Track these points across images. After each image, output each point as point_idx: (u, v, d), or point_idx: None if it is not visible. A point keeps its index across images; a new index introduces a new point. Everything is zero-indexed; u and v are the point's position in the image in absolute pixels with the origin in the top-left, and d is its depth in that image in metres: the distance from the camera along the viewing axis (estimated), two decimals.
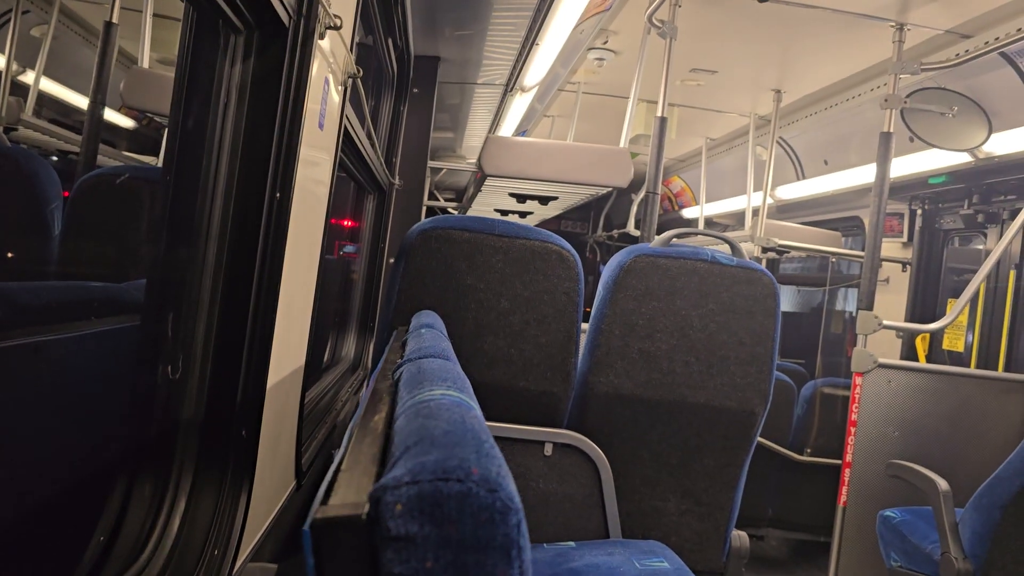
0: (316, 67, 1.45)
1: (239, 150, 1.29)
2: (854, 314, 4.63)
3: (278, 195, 1.30)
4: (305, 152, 1.43)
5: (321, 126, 1.62)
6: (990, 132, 3.56)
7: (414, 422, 0.78)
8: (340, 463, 0.78)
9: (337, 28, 1.51)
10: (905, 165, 4.16)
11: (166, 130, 1.42)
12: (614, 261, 2.51)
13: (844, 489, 3.45)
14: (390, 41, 3.54)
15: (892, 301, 4.92)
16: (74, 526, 1.16)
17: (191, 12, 1.29)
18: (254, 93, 1.30)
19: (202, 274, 1.27)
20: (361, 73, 1.94)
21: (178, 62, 1.30)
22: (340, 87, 1.83)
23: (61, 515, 1.15)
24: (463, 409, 0.84)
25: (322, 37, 1.46)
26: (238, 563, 1.27)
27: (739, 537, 2.60)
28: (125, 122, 2.22)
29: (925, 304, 4.82)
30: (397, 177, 3.97)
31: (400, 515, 0.61)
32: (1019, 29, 3.00)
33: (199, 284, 1.26)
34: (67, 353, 1.27)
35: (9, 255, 1.36)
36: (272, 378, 1.39)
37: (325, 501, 0.65)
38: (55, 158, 1.98)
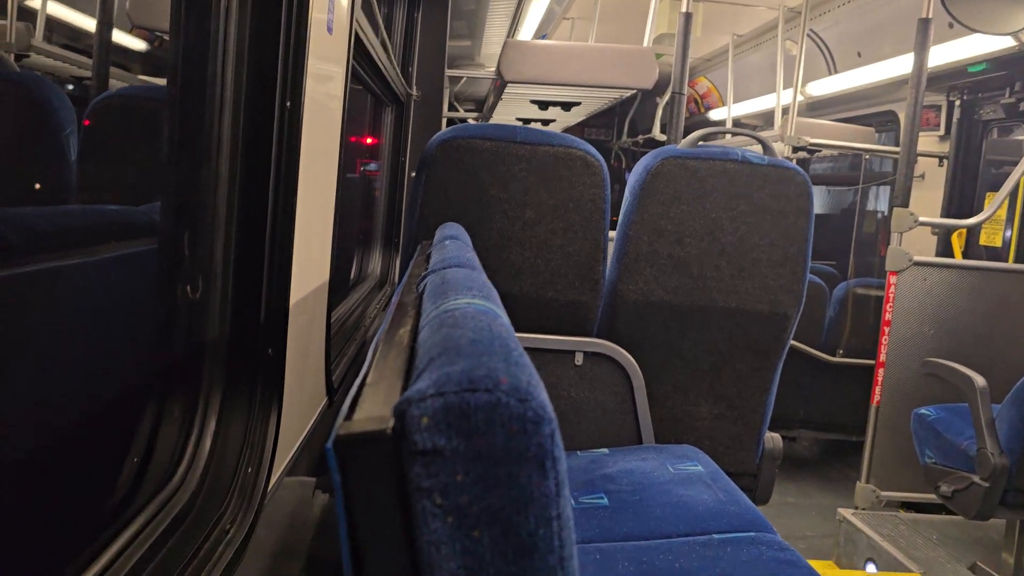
0: None
1: (244, 59, 1.24)
2: (887, 213, 4.51)
3: (288, 104, 1.25)
4: (314, 60, 1.37)
5: (330, 31, 1.55)
6: None
7: (438, 332, 0.75)
8: (365, 377, 0.75)
9: None
10: (943, 54, 3.97)
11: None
12: (640, 165, 2.44)
13: (877, 389, 3.43)
14: None
15: (927, 198, 4.78)
16: (106, 450, 1.16)
17: None
18: None
19: (216, 190, 1.23)
20: None
21: None
22: None
23: (93, 440, 1.15)
24: (490, 317, 0.81)
25: None
26: (272, 479, 1.27)
27: (772, 439, 2.60)
28: (137, 44, 2.16)
29: (962, 199, 4.68)
30: (415, 88, 3.87)
31: (426, 428, 0.58)
32: None
33: (213, 201, 1.23)
34: (87, 278, 1.25)
35: (25, 182, 1.34)
36: (295, 295, 1.36)
37: (349, 417, 0.63)
38: (71, 86, 1.93)
